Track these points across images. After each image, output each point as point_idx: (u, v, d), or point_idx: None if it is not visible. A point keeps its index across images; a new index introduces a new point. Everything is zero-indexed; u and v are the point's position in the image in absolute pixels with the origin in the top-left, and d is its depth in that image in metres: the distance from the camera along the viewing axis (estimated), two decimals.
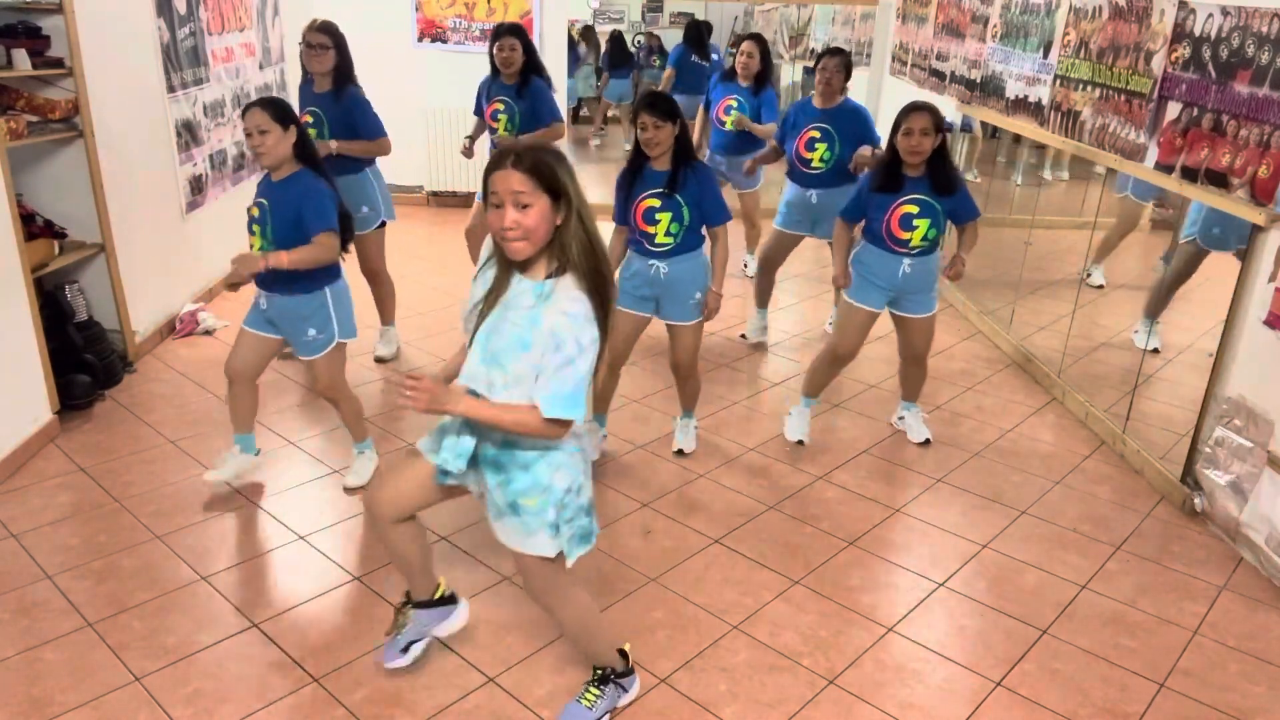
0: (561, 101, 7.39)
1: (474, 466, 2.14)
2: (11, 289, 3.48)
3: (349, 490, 3.40)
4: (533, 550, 2.10)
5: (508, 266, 2.03)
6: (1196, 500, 3.42)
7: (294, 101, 4.16)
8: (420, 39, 7.17)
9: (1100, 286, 5.23)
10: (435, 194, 7.60)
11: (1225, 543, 3.28)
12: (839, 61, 4.45)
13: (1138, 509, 3.49)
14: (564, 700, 2.43)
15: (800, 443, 3.80)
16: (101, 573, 2.90)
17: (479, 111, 4.82)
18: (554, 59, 7.30)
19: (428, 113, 7.23)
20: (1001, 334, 5.01)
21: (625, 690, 2.42)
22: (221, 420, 3.88)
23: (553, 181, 1.90)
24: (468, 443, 2.10)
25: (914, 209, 3.47)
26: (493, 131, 4.74)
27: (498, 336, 1.99)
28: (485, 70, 4.75)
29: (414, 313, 5.12)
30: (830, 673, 2.58)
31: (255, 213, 3.08)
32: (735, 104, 5.26)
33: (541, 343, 1.93)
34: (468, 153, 4.88)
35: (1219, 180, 3.36)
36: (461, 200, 7.60)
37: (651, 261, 3.39)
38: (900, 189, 3.48)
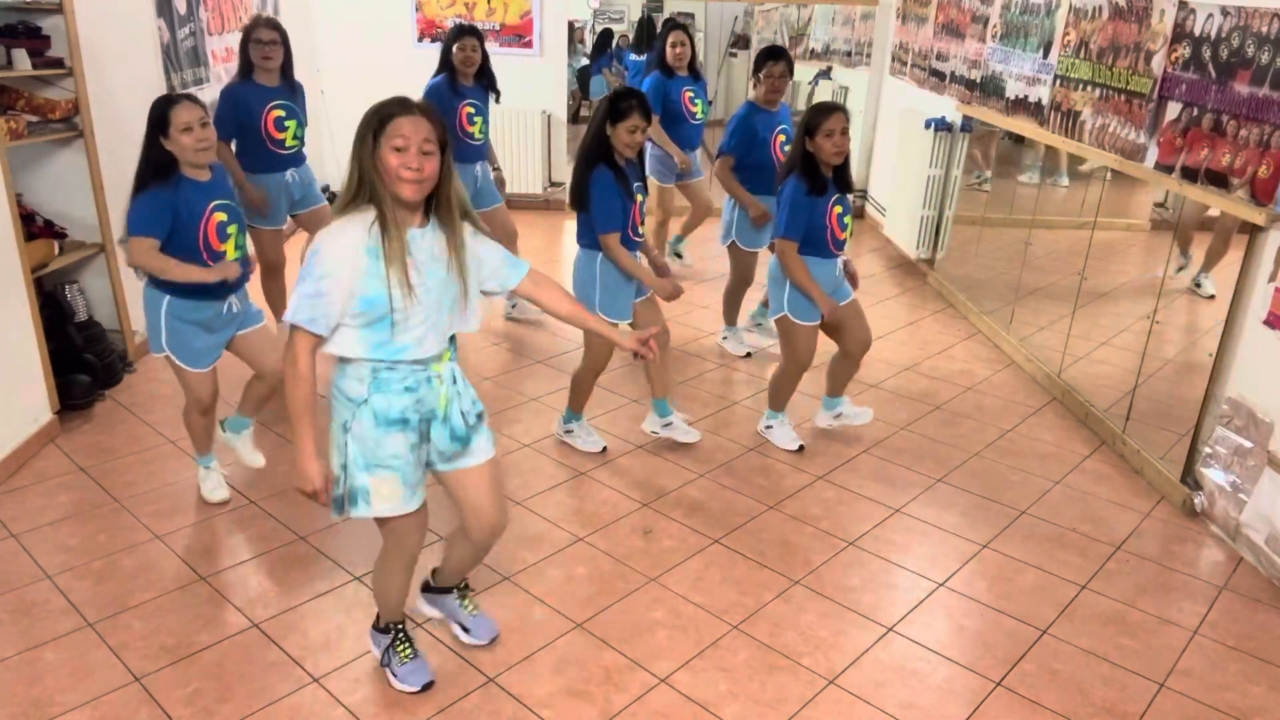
0: (559, 97, 7.44)
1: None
2: (11, 289, 3.48)
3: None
4: (494, 451, 2.35)
5: (390, 224, 2.05)
6: (1196, 500, 3.42)
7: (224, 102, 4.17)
8: (420, 39, 7.17)
9: (1212, 297, 4.87)
10: None
11: (1225, 543, 3.28)
12: (786, 65, 4.37)
13: (1138, 509, 3.49)
14: (564, 700, 2.44)
15: (801, 448, 3.79)
16: (101, 573, 2.90)
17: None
18: (554, 58, 7.30)
19: None
20: (1001, 334, 5.02)
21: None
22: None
23: (445, 135, 2.09)
24: (456, 422, 2.23)
25: (840, 208, 3.48)
26: (468, 135, 4.66)
27: (448, 288, 2.13)
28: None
29: None
30: (830, 673, 2.58)
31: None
32: (692, 94, 5.17)
33: (475, 259, 2.19)
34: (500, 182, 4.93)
35: (1219, 180, 3.36)
36: None
37: (638, 255, 3.55)
38: (826, 190, 3.45)
